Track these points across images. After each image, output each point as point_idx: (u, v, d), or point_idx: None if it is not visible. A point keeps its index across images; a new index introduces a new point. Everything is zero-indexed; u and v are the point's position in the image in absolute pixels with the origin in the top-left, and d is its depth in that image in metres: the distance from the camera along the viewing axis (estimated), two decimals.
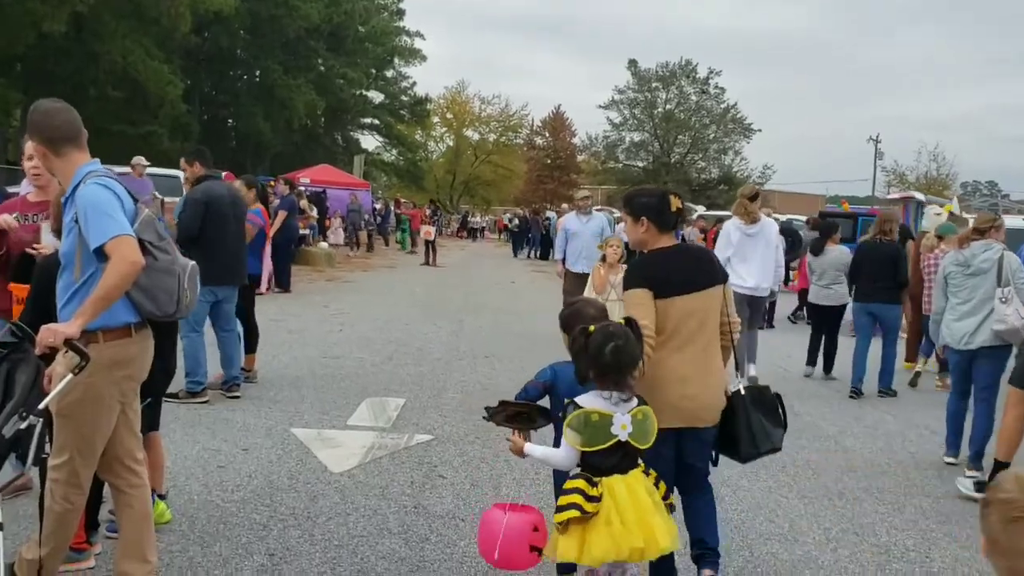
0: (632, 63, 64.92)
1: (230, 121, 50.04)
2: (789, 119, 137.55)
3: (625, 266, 6.87)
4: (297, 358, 9.74)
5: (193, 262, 3.80)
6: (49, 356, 3.45)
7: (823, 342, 10.44)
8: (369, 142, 60.84)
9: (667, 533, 3.40)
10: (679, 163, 64.42)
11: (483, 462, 6.18)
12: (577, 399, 3.44)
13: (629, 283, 3.93)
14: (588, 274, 11.22)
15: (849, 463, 6.69)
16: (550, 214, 35.95)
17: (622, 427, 3.36)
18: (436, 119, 69.67)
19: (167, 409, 6.17)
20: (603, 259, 9.22)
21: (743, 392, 4.06)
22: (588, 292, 8.76)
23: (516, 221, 41.07)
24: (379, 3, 55.69)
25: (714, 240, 11.35)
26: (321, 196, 27.38)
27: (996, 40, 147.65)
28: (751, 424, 4.01)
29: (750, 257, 8.87)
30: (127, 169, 16.05)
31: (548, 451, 3.60)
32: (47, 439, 3.58)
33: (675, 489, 3.91)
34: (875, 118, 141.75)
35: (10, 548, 4.18)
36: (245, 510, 5.04)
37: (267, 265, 11.77)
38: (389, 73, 58.21)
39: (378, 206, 36.58)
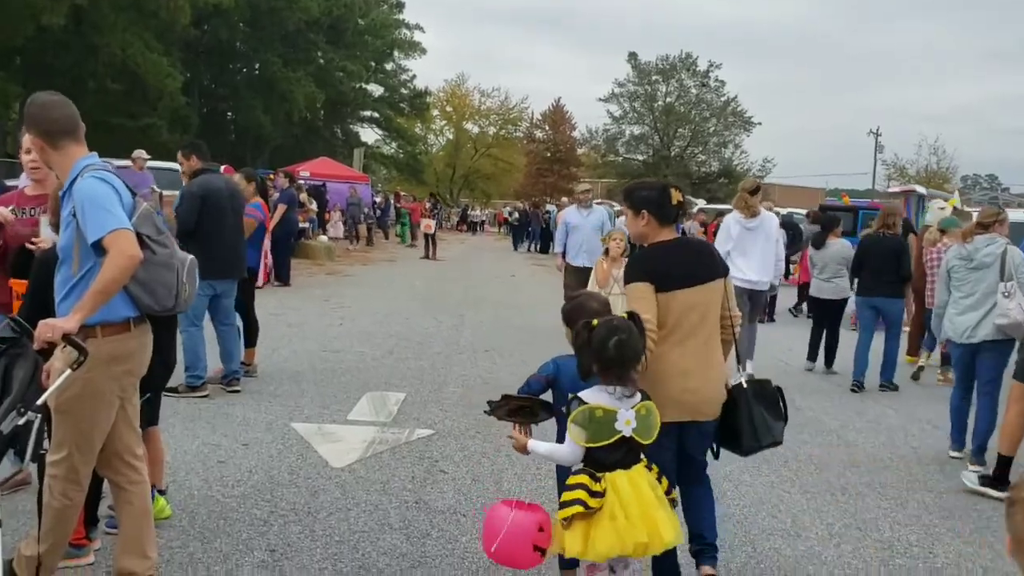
0: (632, 56, 64.82)
1: (229, 114, 49.98)
2: (789, 112, 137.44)
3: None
4: (297, 352, 9.71)
5: (192, 256, 3.77)
6: (47, 351, 3.42)
7: (824, 336, 10.41)
8: (369, 135, 60.88)
9: (671, 527, 3.40)
10: (679, 156, 64.34)
11: (484, 457, 6.16)
12: (581, 394, 3.42)
13: (630, 277, 3.91)
14: (589, 268, 11.22)
15: (851, 458, 6.67)
16: (550, 207, 35.89)
17: (626, 423, 3.35)
18: (436, 112, 69.67)
19: (167, 403, 6.15)
20: (606, 253, 9.20)
21: (745, 385, 4.05)
22: (591, 286, 8.74)
23: (516, 214, 41.02)
24: None
25: (714, 234, 11.31)
26: (321, 189, 27.35)
27: (996, 30, 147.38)
28: (753, 417, 4.00)
29: (750, 251, 8.84)
30: (127, 163, 16.02)
31: (552, 447, 3.57)
32: (45, 435, 3.55)
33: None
34: (875, 111, 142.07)
35: (9, 544, 4.16)
36: (245, 505, 5.01)
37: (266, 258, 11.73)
38: (389, 66, 58.09)
39: (378, 199, 36.53)
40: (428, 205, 31.18)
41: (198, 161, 7.56)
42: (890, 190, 26.53)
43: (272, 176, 18.59)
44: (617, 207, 25.25)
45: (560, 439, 3.65)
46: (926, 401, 8.89)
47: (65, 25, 30.86)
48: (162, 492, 4.74)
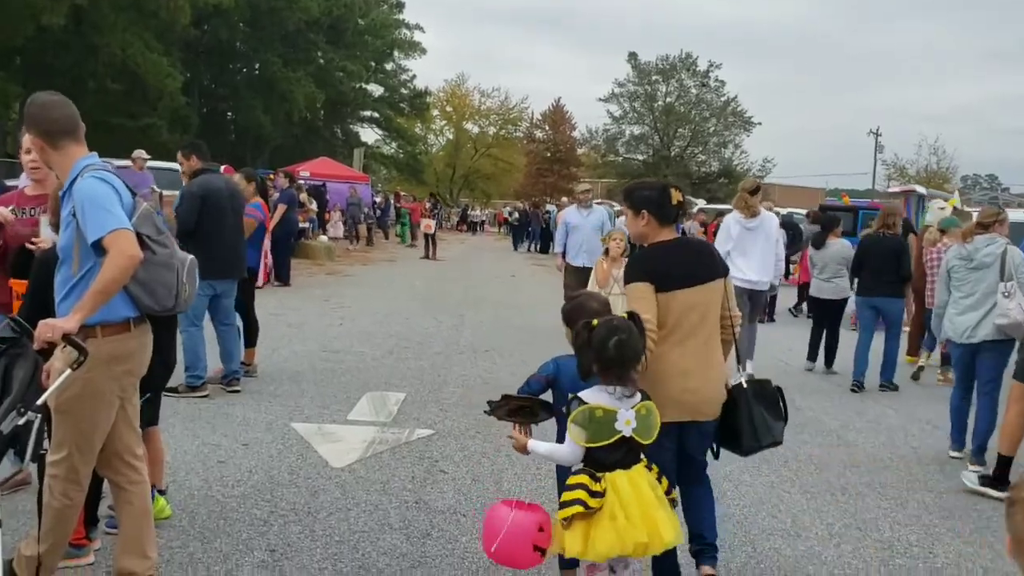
0: (632, 56, 64.81)
1: (229, 114, 49.98)
2: (789, 112, 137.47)
3: None
4: (297, 352, 9.71)
5: (192, 256, 3.77)
6: (47, 351, 3.42)
7: (824, 336, 10.41)
8: (369, 135, 60.87)
9: (671, 527, 3.40)
10: (679, 156, 64.32)
11: (484, 457, 6.16)
12: (581, 394, 3.42)
13: (630, 277, 3.91)
14: (588, 268, 11.21)
15: (851, 458, 6.67)
16: (550, 207, 35.89)
17: (626, 423, 3.35)
18: (436, 112, 69.63)
19: (167, 403, 6.14)
20: (606, 253, 9.19)
21: (745, 385, 4.05)
22: (591, 287, 8.73)
23: (516, 214, 41.02)
24: None
25: (715, 234, 11.31)
26: (321, 189, 27.34)
27: (996, 30, 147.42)
28: (753, 417, 4.00)
29: (750, 251, 8.84)
30: (127, 163, 16.01)
31: (552, 447, 3.57)
32: (45, 435, 3.55)
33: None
34: (875, 111, 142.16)
35: (9, 544, 4.16)
36: (245, 505, 5.01)
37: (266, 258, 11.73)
38: (389, 66, 58.08)
39: (378, 199, 36.53)
40: (428, 205, 31.17)
41: (198, 161, 7.55)
42: (890, 190, 26.50)
43: (272, 176, 18.59)
44: (617, 207, 25.28)
45: (560, 439, 3.64)
46: (926, 401, 8.89)
47: (65, 25, 30.86)
48: (162, 492, 4.74)
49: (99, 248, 3.30)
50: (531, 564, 3.51)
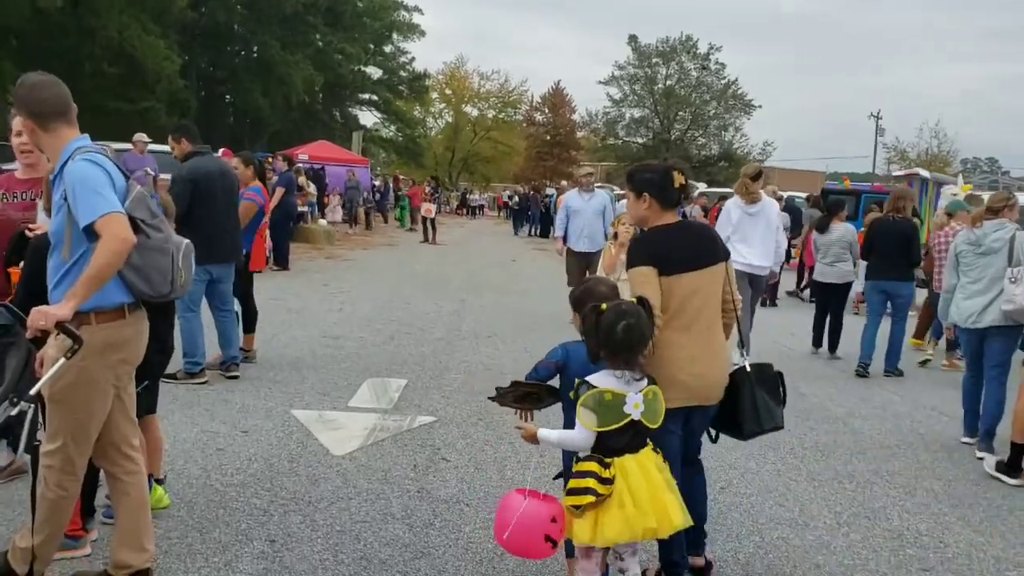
0: (632, 38, 64.52)
1: (228, 97, 49.69)
2: (789, 95, 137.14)
3: None
4: (297, 338, 9.62)
5: (187, 240, 3.67)
6: (40, 339, 3.33)
7: (828, 321, 10.33)
8: (367, 118, 60.51)
9: (679, 510, 3.42)
10: (679, 139, 64.12)
11: (487, 444, 6.08)
12: (589, 378, 3.41)
13: (633, 261, 3.84)
14: (590, 253, 11.13)
15: (858, 445, 6.59)
16: (550, 191, 35.73)
17: (635, 406, 3.36)
18: (435, 95, 69.25)
19: (165, 390, 6.06)
20: (614, 237, 9.07)
21: (748, 369, 4.02)
22: (599, 273, 8.62)
23: (516, 198, 40.86)
24: None
25: (716, 218, 11.22)
26: (319, 173, 27.19)
27: (995, 10, 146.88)
28: (756, 401, 3.98)
29: (750, 236, 8.75)
30: (128, 146, 15.89)
31: (563, 434, 3.52)
32: (40, 425, 3.46)
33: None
34: (875, 93, 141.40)
35: (4, 534, 4.09)
36: (245, 495, 4.93)
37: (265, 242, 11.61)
38: (387, 48, 57.68)
39: (377, 183, 36.37)
40: (428, 189, 30.97)
41: (188, 144, 7.41)
42: (894, 174, 26.37)
43: (270, 159, 18.45)
44: (618, 190, 25.15)
45: (568, 426, 3.60)
46: (932, 387, 8.82)
47: (62, 7, 30.61)
48: (160, 481, 4.66)
49: (91, 233, 3.20)
50: (542, 555, 3.47)
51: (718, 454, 5.88)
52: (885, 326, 9.27)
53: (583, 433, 3.38)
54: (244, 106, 46.00)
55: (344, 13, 49.43)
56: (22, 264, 4.02)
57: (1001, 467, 5.92)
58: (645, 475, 3.37)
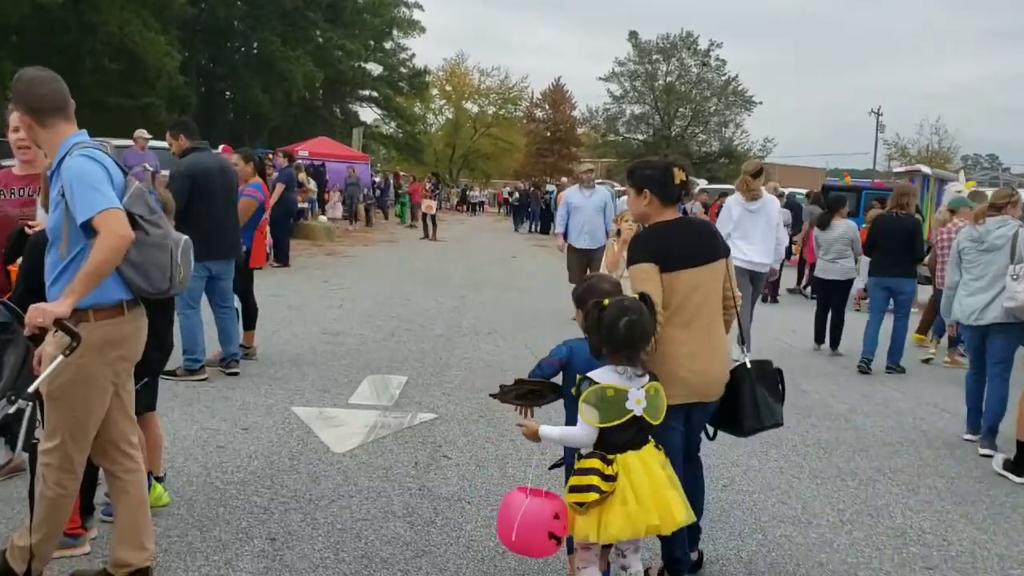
0: (633, 35, 64.43)
1: (228, 93, 49.60)
2: (789, 91, 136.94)
3: None
4: (297, 334, 9.60)
5: (186, 236, 3.64)
6: (39, 337, 3.30)
7: (829, 317, 10.31)
8: (368, 115, 60.39)
9: (682, 507, 3.42)
10: (680, 136, 64.02)
11: (488, 442, 6.05)
12: (590, 374, 3.41)
13: (634, 257, 3.82)
14: (590, 249, 11.12)
15: (860, 442, 6.57)
16: (550, 187, 35.69)
17: (637, 402, 3.35)
18: (435, 91, 69.15)
19: (165, 387, 6.04)
20: (617, 234, 9.04)
21: (748, 365, 4.01)
22: (602, 270, 8.59)
23: (516, 195, 40.83)
24: None
25: (717, 214, 11.20)
26: (320, 169, 27.15)
27: (995, 8, 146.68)
28: (756, 397, 3.97)
29: (751, 233, 8.74)
30: (128, 142, 15.84)
31: (565, 430, 3.51)
32: (38, 423, 3.44)
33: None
34: (875, 90, 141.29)
35: (2, 533, 4.07)
36: (245, 492, 4.91)
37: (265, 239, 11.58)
38: (388, 45, 57.55)
39: (377, 179, 36.32)
40: (429, 186, 30.92)
41: (186, 140, 7.37)
42: (895, 170, 26.33)
43: (271, 156, 18.42)
44: (618, 187, 25.11)
45: (570, 423, 3.60)
46: (934, 384, 8.80)
47: (62, 3, 30.55)
48: (160, 479, 4.64)
49: (89, 229, 3.17)
50: (547, 553, 3.46)
51: (720, 451, 5.86)
52: (887, 323, 9.24)
53: (585, 429, 3.37)
54: (244, 102, 45.93)
55: (344, 9, 49.30)
56: (20, 261, 3.99)
57: (1008, 465, 5.91)
58: (648, 472, 3.36)
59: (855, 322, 10.49)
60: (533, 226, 35.55)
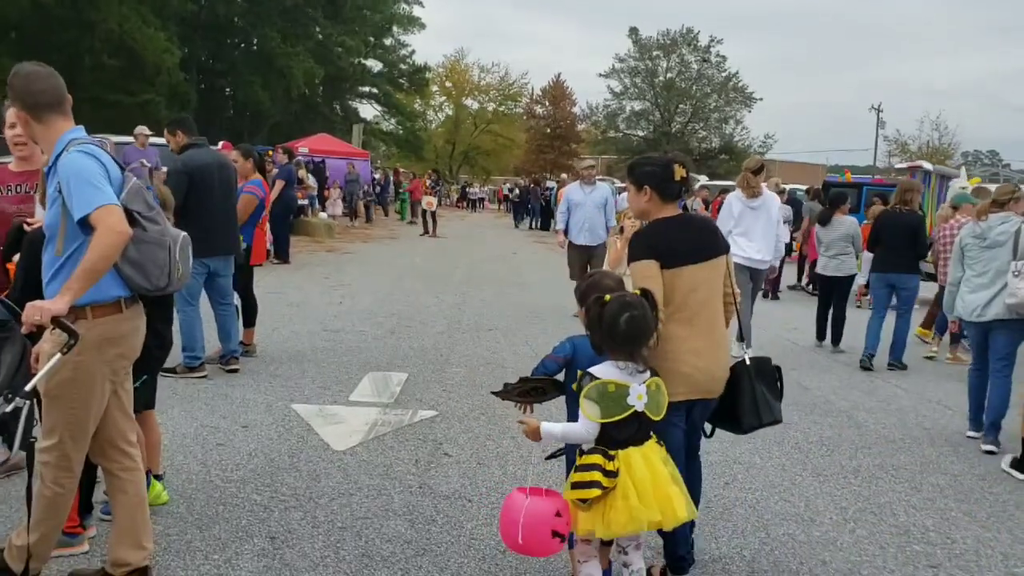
0: (633, 31, 64.48)
1: (228, 90, 49.54)
2: (789, 88, 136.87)
3: None
4: (297, 331, 9.57)
5: (184, 233, 3.61)
6: (36, 334, 3.27)
7: (831, 313, 10.28)
8: (368, 111, 60.32)
9: (684, 503, 3.41)
10: (680, 132, 64.04)
11: (489, 439, 6.03)
12: (591, 369, 3.40)
13: (635, 254, 3.79)
14: (591, 246, 11.08)
15: (863, 439, 6.54)
16: (550, 184, 35.66)
17: (638, 397, 3.34)
18: (435, 88, 69.13)
19: (164, 384, 6.03)
20: (620, 231, 9.02)
21: (748, 362, 4.00)
22: (604, 267, 8.57)
23: (516, 191, 40.79)
24: None
25: (717, 211, 11.17)
26: (320, 166, 27.11)
27: (996, 4, 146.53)
28: (755, 395, 3.95)
29: (752, 230, 8.74)
30: (128, 139, 15.80)
31: (567, 427, 3.50)
32: (35, 421, 3.41)
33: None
34: (876, 86, 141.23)
35: (1, 532, 4.04)
36: (245, 490, 4.88)
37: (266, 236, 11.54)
38: (387, 41, 57.47)
39: (377, 176, 36.28)
40: (429, 182, 30.87)
41: (184, 136, 7.32)
42: (897, 166, 26.27)
43: (271, 152, 18.37)
44: (619, 183, 25.08)
45: (572, 419, 3.59)
46: (936, 380, 8.77)
47: (61, 0, 30.48)
48: (159, 477, 4.61)
49: (86, 225, 3.14)
50: (551, 551, 3.45)
51: (722, 449, 5.84)
52: (889, 319, 9.22)
53: (587, 425, 3.36)
54: (244, 99, 45.86)
55: (344, 6, 49.23)
56: (17, 258, 3.96)
57: (1015, 463, 5.88)
58: (650, 468, 3.35)
59: (856, 319, 10.47)
60: (533, 222, 35.51)
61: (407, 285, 14.11)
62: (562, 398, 3.82)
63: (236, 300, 7.97)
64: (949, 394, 8.06)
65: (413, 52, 59.67)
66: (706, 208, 19.74)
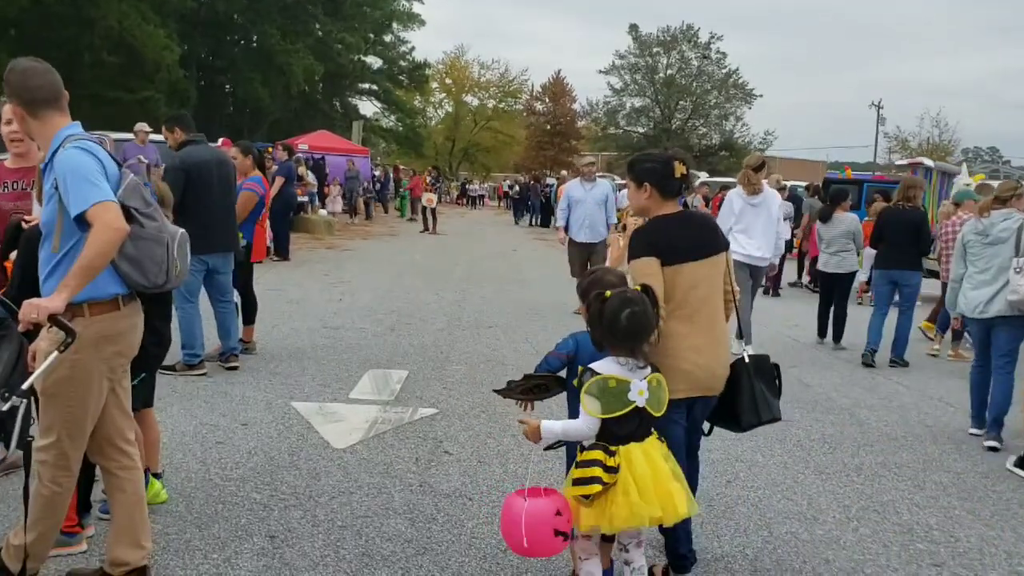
0: (633, 27, 64.39)
1: (227, 87, 49.44)
2: (789, 84, 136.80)
3: None
4: (297, 329, 9.54)
5: (182, 229, 3.58)
6: (33, 332, 3.24)
7: (832, 310, 10.26)
8: (367, 108, 60.21)
9: (685, 499, 3.41)
10: (680, 129, 64.01)
11: (490, 437, 6.00)
12: (592, 365, 3.40)
13: (635, 251, 3.78)
14: (591, 244, 11.05)
15: (865, 437, 6.51)
16: (550, 181, 35.62)
17: (639, 393, 3.34)
18: (435, 85, 69.03)
19: (163, 382, 6.00)
20: (623, 229, 9.00)
21: (747, 360, 3.98)
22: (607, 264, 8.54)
23: (516, 188, 40.75)
24: None
25: (718, 208, 11.15)
26: (320, 163, 27.06)
27: (997, 2, 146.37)
28: (754, 392, 3.94)
29: (752, 227, 8.72)
30: (127, 136, 15.77)
31: (567, 424, 3.48)
32: (32, 420, 3.38)
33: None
34: (876, 84, 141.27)
35: None
36: (245, 489, 4.85)
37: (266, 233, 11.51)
38: (387, 38, 57.36)
39: (377, 173, 36.22)
40: (430, 179, 30.81)
41: (182, 133, 7.28)
42: (897, 163, 26.23)
43: (271, 149, 18.33)
44: (619, 180, 25.05)
45: (573, 416, 3.58)
46: (938, 377, 8.74)
47: None
48: (158, 475, 4.59)
49: (83, 222, 3.10)
50: (555, 551, 3.44)
51: (724, 447, 5.82)
52: (891, 316, 9.19)
53: (587, 421, 3.35)
54: (244, 96, 45.75)
55: (344, 2, 49.09)
56: (15, 255, 3.93)
57: (1020, 463, 5.86)
58: (650, 464, 3.35)
59: (858, 316, 10.44)
60: (533, 219, 35.45)
61: (407, 282, 14.08)
62: (563, 396, 3.80)
63: (236, 297, 7.94)
64: (951, 391, 8.03)
65: (413, 49, 59.56)
66: (706, 205, 19.74)
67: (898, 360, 9.15)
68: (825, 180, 20.55)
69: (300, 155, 23.24)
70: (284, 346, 8.61)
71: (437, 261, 18.01)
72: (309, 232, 20.72)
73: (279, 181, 15.02)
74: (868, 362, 9.04)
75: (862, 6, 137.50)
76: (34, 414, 3.43)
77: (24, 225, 4.14)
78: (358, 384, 7.27)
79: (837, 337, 10.11)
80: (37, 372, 3.16)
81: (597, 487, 3.25)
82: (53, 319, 3.07)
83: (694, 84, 64.25)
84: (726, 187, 18.91)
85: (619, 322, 3.32)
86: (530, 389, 3.63)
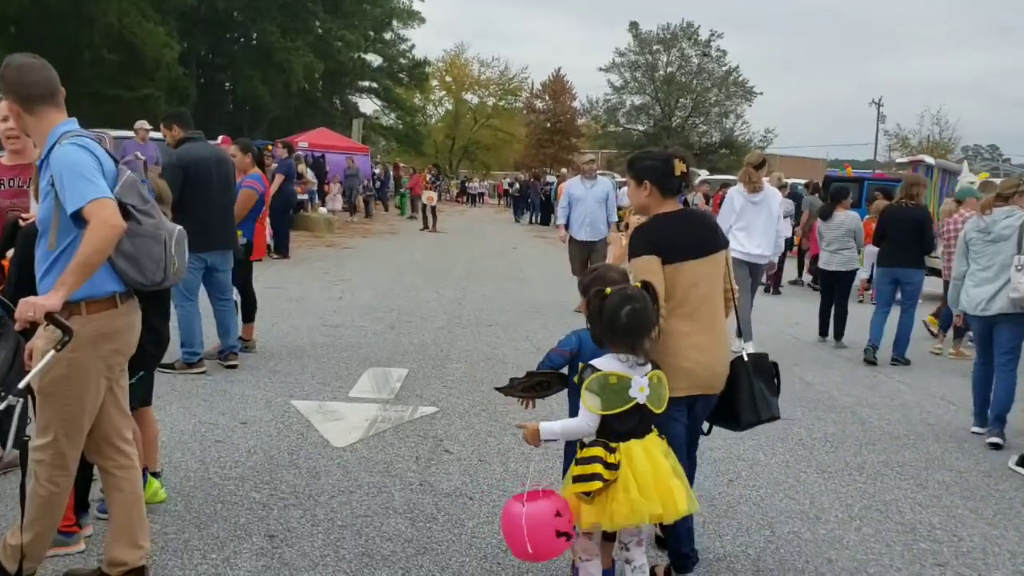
0: (633, 25, 64.41)
1: (227, 84, 49.41)
2: (789, 82, 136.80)
3: None
4: (297, 327, 9.51)
5: (180, 227, 3.55)
6: (29, 331, 3.21)
7: (833, 308, 10.23)
8: (367, 106, 60.19)
9: (685, 496, 3.40)
10: (680, 127, 63.99)
11: (490, 436, 5.97)
12: (593, 362, 3.39)
13: (636, 250, 3.76)
14: (592, 242, 11.04)
15: (867, 436, 6.48)
16: (550, 179, 35.57)
17: (640, 389, 3.33)
18: (435, 83, 68.97)
19: (162, 380, 5.97)
20: (625, 227, 8.98)
21: (746, 358, 3.96)
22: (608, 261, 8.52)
23: (516, 186, 40.71)
24: None
25: (719, 206, 11.12)
26: (320, 161, 27.02)
27: (996, 7, 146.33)
28: (753, 391, 3.93)
29: (753, 225, 8.72)
30: (127, 133, 15.74)
31: (566, 423, 3.47)
32: (29, 419, 3.35)
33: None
34: (876, 82, 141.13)
35: None
36: (244, 488, 4.82)
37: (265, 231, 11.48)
38: (387, 35, 57.32)
39: (377, 171, 36.18)
40: (430, 177, 30.77)
41: (181, 130, 7.25)
42: (898, 160, 26.20)
43: (270, 147, 18.30)
44: (619, 178, 25.02)
45: (574, 412, 3.56)
46: (940, 375, 8.71)
47: None
48: (156, 475, 4.56)
49: (79, 219, 3.07)
50: (558, 552, 3.42)
51: (725, 446, 5.79)
52: (894, 314, 9.16)
53: (587, 417, 3.34)
54: (244, 93, 45.73)
55: (344, 0, 49.11)
56: (11, 253, 3.91)
57: (1023, 461, 5.83)
58: (651, 460, 3.34)
59: (858, 314, 10.41)
60: (533, 217, 35.41)
61: (407, 280, 14.06)
62: (563, 395, 3.78)
63: (235, 295, 7.91)
64: (953, 389, 8.01)
65: (413, 47, 59.53)
66: (707, 203, 19.71)
67: (900, 358, 9.12)
68: (825, 178, 20.52)
69: (300, 153, 23.19)
70: (284, 344, 8.58)
71: (437, 259, 17.98)
72: (309, 230, 20.69)
73: (279, 179, 15.00)
74: (870, 359, 9.02)
75: (862, 6, 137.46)
76: (31, 413, 3.41)
77: (21, 222, 4.12)
78: (358, 382, 7.24)
79: (838, 335, 10.08)
80: (34, 371, 3.13)
81: (598, 484, 3.24)
82: (50, 317, 3.05)
83: (694, 82, 64.21)
84: (726, 185, 18.89)
85: (619, 319, 3.31)
86: (532, 387, 3.62)
